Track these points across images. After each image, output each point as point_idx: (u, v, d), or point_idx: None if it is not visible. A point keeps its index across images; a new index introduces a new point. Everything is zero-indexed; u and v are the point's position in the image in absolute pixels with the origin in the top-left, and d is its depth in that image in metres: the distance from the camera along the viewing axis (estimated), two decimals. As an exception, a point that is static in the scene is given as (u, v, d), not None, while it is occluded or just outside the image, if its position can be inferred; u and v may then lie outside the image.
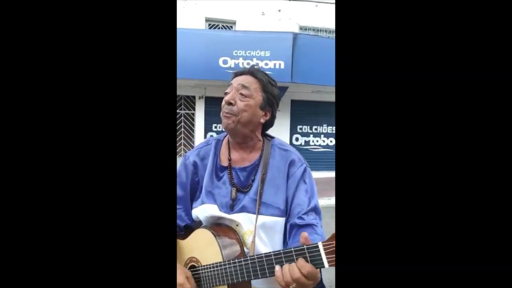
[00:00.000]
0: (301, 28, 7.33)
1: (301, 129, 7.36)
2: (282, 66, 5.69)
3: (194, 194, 0.81)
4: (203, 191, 0.78)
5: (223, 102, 0.76)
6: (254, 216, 0.73)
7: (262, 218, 0.72)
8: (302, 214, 0.72)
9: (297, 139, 7.36)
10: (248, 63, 5.69)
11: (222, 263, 0.68)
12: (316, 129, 7.49)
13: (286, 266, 0.59)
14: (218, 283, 0.69)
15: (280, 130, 6.96)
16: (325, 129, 7.54)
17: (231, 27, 7.13)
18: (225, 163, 0.80)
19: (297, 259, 0.58)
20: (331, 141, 7.53)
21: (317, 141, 7.49)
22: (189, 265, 0.75)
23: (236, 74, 0.80)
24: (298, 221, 0.71)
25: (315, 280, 0.58)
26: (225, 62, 5.68)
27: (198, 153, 0.83)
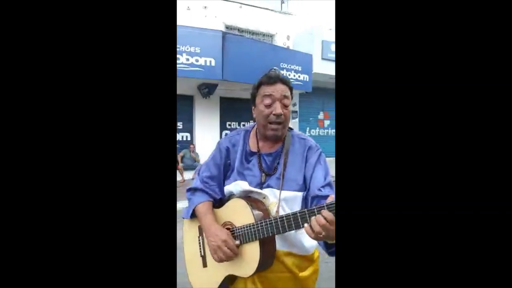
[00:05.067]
0: (226, 27, 7.53)
1: (230, 125, 7.63)
2: (213, 64, 5.79)
3: (226, 174, 0.99)
4: (235, 171, 0.96)
5: (271, 114, 0.90)
6: (278, 191, 0.92)
7: (285, 193, 0.91)
8: (321, 187, 0.89)
9: (226, 135, 7.58)
10: (178, 58, 5.57)
11: (254, 223, 0.85)
12: (243, 125, 7.87)
13: (313, 218, 0.72)
14: (250, 239, 0.86)
15: (211, 125, 7.05)
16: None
17: (155, 18, 6.78)
18: (254, 149, 0.98)
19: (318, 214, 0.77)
20: (256, 137, 8.03)
21: (245, 136, 7.87)
22: (224, 228, 0.91)
23: (270, 83, 0.91)
24: (318, 193, 0.88)
25: None
26: (152, 55, 5.41)
27: (230, 140, 1.02)
